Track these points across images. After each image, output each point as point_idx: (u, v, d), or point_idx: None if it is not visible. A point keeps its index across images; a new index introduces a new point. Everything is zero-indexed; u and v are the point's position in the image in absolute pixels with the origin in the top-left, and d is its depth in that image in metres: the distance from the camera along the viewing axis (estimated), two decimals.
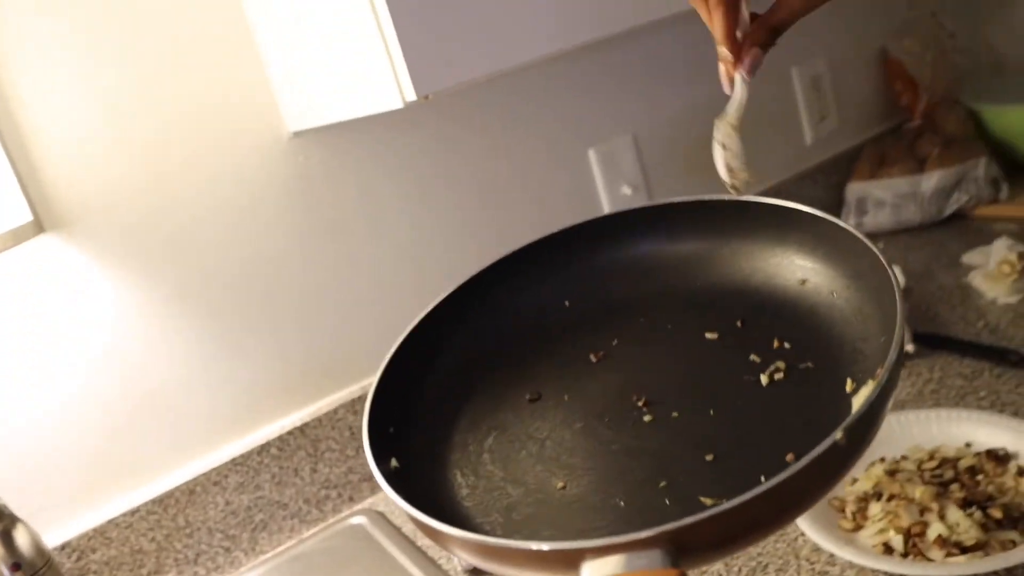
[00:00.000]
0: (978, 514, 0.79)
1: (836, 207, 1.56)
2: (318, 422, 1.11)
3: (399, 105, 0.77)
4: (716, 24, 0.65)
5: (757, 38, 0.65)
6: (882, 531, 0.82)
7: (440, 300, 0.74)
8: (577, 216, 0.72)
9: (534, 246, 0.77)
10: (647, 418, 0.65)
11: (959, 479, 0.85)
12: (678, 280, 0.74)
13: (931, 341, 1.14)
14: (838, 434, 0.48)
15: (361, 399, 1.13)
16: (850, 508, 0.86)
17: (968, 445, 0.91)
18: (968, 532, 0.78)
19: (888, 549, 0.80)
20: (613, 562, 0.46)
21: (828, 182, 1.57)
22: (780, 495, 0.47)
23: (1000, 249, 1.25)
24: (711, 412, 0.63)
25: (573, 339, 0.74)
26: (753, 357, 0.66)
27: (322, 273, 1.11)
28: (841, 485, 0.90)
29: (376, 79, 0.79)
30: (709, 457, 0.59)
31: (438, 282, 1.15)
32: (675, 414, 0.64)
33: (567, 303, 0.77)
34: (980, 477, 0.85)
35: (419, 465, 0.63)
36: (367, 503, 1.15)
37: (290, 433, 1.10)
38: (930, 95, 1.57)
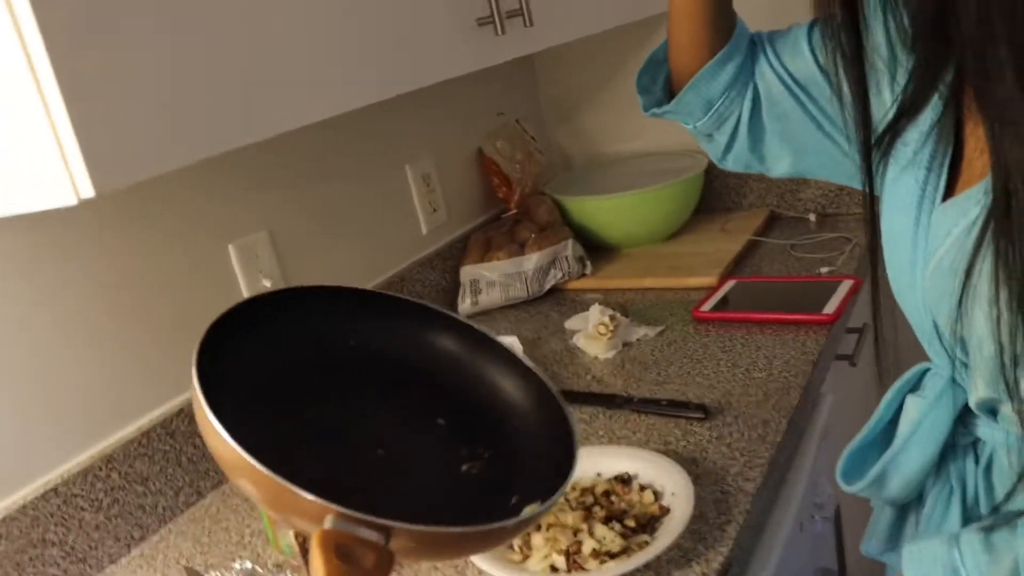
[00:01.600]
0: (618, 526, 0.95)
1: (453, 289, 1.73)
2: None
3: (73, 202, 0.76)
4: None
5: None
6: (546, 556, 0.94)
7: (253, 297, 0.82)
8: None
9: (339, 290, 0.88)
10: (380, 452, 0.81)
11: (598, 502, 1.01)
12: (442, 367, 0.91)
13: None
14: (509, 522, 0.71)
15: (7, 519, 1.05)
16: (516, 542, 0.98)
17: (599, 474, 1.08)
18: (613, 542, 0.93)
19: (554, 569, 0.93)
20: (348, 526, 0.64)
21: (444, 267, 1.74)
22: (456, 540, 0.70)
23: (595, 314, 1.48)
24: (413, 474, 0.82)
25: (344, 378, 0.86)
26: (463, 451, 0.84)
27: None
28: None
29: (43, 173, 0.75)
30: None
31: (71, 390, 1.13)
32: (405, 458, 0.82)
33: (352, 343, 0.87)
34: (614, 497, 1.02)
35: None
36: None
37: None
38: (521, 188, 1.82)
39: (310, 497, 0.63)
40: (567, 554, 0.93)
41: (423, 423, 0.86)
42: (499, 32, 1.22)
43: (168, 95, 0.81)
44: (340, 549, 0.62)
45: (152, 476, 1.21)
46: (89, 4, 0.75)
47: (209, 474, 1.29)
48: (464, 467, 0.82)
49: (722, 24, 0.96)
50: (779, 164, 0.99)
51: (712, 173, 1.93)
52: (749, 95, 0.96)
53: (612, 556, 0.92)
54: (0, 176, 0.81)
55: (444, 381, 0.90)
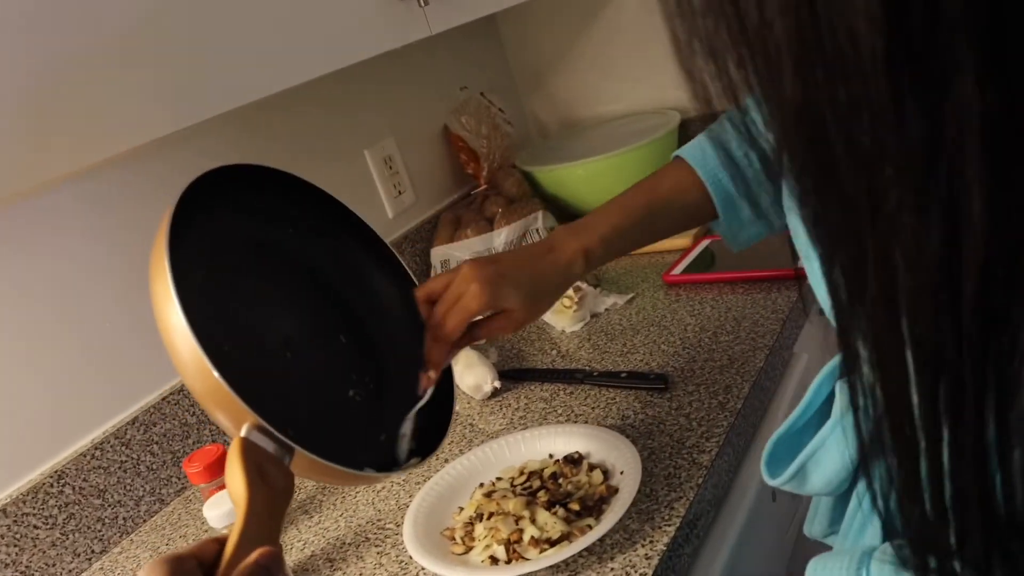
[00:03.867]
0: (561, 511, 0.91)
1: (425, 272, 1.69)
2: None
3: None
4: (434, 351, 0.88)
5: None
6: (487, 547, 0.91)
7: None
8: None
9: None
10: (288, 355, 0.83)
11: (545, 486, 0.97)
12: (362, 293, 0.91)
13: (516, 375, 1.28)
14: (397, 474, 0.80)
15: None
16: (459, 534, 0.94)
17: (551, 456, 1.04)
18: (554, 527, 0.89)
19: (495, 561, 0.89)
20: (260, 438, 0.67)
21: (414, 250, 1.70)
22: (345, 476, 0.74)
23: None
24: (308, 386, 0.84)
25: (272, 264, 0.86)
26: (353, 376, 0.86)
27: None
28: (449, 516, 0.99)
29: None
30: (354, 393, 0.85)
31: (12, 409, 1.11)
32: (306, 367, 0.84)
33: (291, 231, 0.87)
34: (561, 480, 0.98)
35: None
36: None
37: None
38: (490, 163, 1.76)
39: (241, 403, 0.66)
40: (507, 544, 0.89)
41: (328, 336, 0.88)
42: (422, 3, 1.17)
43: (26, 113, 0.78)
44: (254, 463, 0.65)
45: (109, 488, 1.19)
46: None
47: (171, 480, 1.26)
48: (351, 392, 0.85)
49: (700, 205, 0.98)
50: None
51: (688, 129, 1.87)
52: None
53: (553, 543, 0.88)
54: None
55: (359, 304, 0.90)
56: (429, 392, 0.88)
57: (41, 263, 1.16)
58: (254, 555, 0.58)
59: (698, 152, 0.99)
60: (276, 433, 0.67)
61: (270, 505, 0.64)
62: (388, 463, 0.83)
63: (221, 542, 0.62)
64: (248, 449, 0.66)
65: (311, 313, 0.88)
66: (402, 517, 1.03)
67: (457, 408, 0.92)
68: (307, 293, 0.88)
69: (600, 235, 0.96)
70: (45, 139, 0.79)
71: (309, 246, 0.88)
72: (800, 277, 1.31)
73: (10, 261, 1.13)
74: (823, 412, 0.76)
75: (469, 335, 0.92)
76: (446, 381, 0.91)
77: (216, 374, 0.66)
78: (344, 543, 1.03)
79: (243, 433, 0.67)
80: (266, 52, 0.99)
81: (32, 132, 0.78)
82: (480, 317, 0.92)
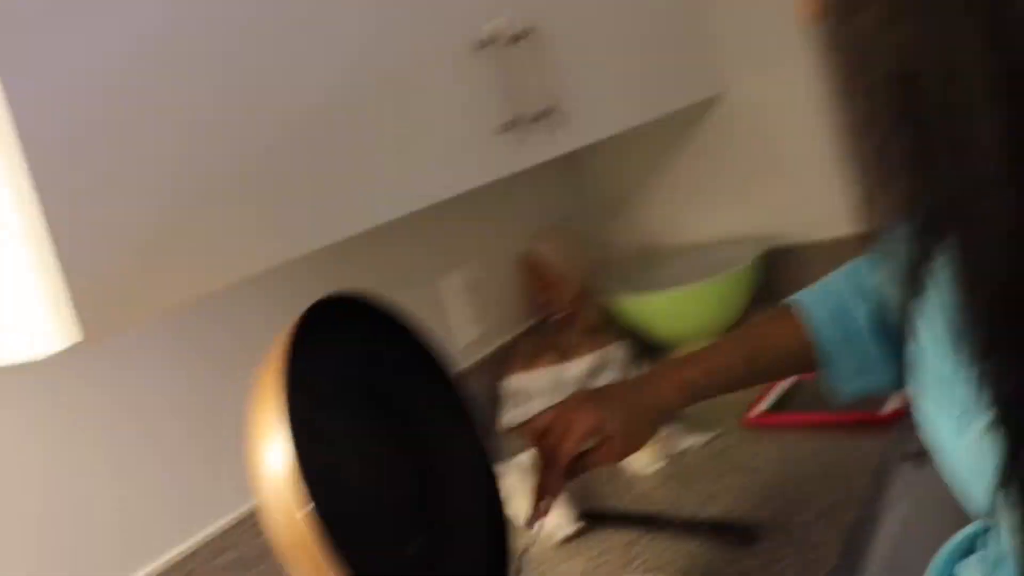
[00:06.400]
0: None
1: (496, 402, 1.66)
2: None
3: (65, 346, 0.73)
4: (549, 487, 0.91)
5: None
6: None
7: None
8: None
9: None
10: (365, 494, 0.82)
11: None
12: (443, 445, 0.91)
13: (592, 517, 1.23)
14: None
15: None
16: None
17: None
18: None
19: None
20: None
21: (485, 380, 1.67)
22: None
23: None
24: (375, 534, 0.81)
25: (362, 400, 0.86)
26: (412, 524, 0.84)
27: None
28: None
29: (33, 322, 0.73)
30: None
31: (95, 536, 1.10)
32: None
33: (375, 364, 0.87)
34: None
35: None
36: None
37: None
38: (568, 291, 1.75)
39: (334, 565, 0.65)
40: None
41: (397, 478, 0.86)
42: (524, 137, 1.20)
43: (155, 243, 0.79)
44: None
45: None
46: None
47: None
48: (407, 547, 0.82)
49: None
50: None
51: (772, 258, 1.83)
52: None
53: None
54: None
55: (429, 441, 0.89)
56: (539, 525, 0.90)
57: (125, 392, 1.16)
58: None
59: (808, 300, 0.98)
60: None
61: None
62: None
63: None
64: None
65: (383, 448, 0.87)
66: None
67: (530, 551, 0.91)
68: (390, 426, 0.88)
69: (696, 373, 0.97)
70: (162, 269, 0.79)
71: (392, 381, 0.88)
72: (888, 424, 1.26)
73: (102, 388, 1.14)
74: None
75: (577, 466, 0.93)
76: (502, 531, 0.89)
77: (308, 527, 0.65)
78: None
79: None
80: (374, 186, 1.00)
81: (151, 263, 0.79)
82: (585, 447, 0.93)
